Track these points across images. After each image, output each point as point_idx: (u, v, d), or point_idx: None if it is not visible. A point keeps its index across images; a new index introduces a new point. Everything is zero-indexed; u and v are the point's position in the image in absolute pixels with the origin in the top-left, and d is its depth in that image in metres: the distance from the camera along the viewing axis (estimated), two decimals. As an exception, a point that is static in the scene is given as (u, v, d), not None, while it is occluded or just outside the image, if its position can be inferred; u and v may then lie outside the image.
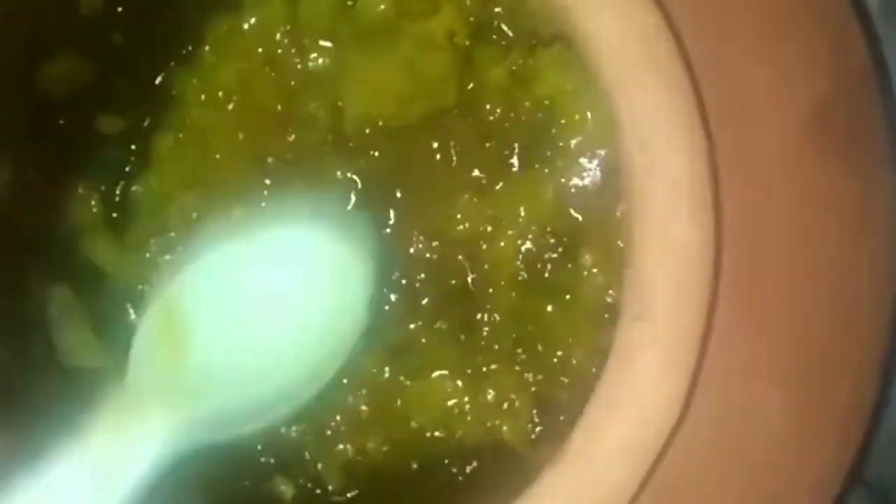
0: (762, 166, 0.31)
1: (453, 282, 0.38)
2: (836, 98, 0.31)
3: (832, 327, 0.31)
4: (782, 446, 0.31)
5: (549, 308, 0.37)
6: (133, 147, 0.39)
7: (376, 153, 0.38)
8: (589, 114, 0.36)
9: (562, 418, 0.36)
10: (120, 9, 0.38)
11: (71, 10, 0.38)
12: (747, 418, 0.31)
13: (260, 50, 0.38)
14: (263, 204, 0.38)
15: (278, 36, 0.38)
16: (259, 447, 0.38)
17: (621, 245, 0.36)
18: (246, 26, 0.38)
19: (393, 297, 0.38)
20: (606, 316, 0.35)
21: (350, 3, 0.38)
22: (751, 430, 0.31)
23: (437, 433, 0.38)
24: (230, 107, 0.39)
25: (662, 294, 0.31)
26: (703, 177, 0.31)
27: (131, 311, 0.39)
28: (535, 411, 0.37)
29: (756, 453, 0.31)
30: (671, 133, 0.31)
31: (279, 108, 0.38)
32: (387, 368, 0.38)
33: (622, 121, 0.32)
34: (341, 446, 0.38)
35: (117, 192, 0.39)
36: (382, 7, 0.37)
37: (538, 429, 0.37)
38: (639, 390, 0.31)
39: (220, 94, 0.39)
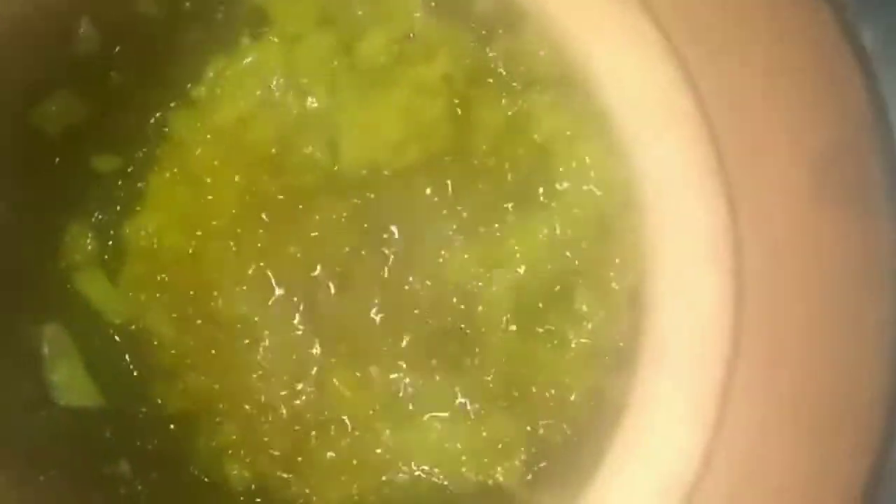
0: (775, 214, 0.32)
1: (448, 320, 0.38)
2: (839, 146, 0.31)
3: (841, 374, 0.31)
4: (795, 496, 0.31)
5: (544, 350, 0.38)
6: (128, 186, 0.39)
7: (372, 195, 0.38)
8: (587, 159, 0.36)
9: (557, 461, 0.37)
10: (117, 48, 0.38)
11: (68, 49, 0.38)
12: (764, 474, 0.32)
13: (257, 92, 0.38)
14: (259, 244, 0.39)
15: (275, 78, 0.38)
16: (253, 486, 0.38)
17: (616, 288, 0.36)
18: (243, 67, 0.38)
19: (388, 337, 0.38)
20: (607, 359, 0.36)
21: (347, 48, 0.38)
22: (766, 485, 0.31)
23: (428, 476, 0.38)
24: (226, 147, 0.39)
25: (681, 345, 0.31)
26: (722, 224, 0.31)
27: (126, 348, 0.39)
28: (527, 453, 0.37)
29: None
30: (688, 180, 0.31)
31: (275, 149, 0.38)
32: (379, 407, 0.38)
33: (635, 166, 0.32)
34: (335, 490, 0.38)
35: (111, 230, 0.39)
36: (380, 54, 0.38)
37: (532, 471, 0.38)
38: (656, 445, 0.31)
39: (217, 133, 0.39)
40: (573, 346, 0.37)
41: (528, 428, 0.38)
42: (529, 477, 0.37)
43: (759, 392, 0.31)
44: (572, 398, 0.37)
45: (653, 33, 0.32)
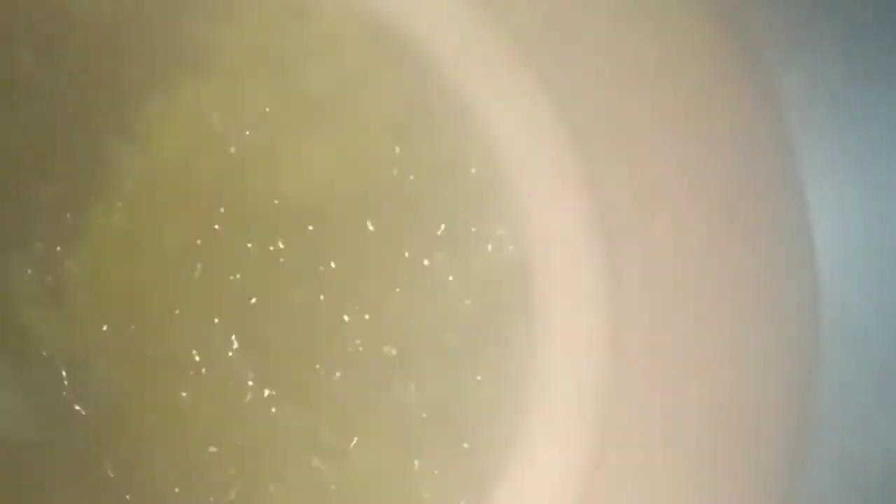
0: (665, 263, 0.33)
1: (384, 350, 0.39)
2: (745, 191, 0.33)
3: (737, 410, 0.33)
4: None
5: (478, 378, 0.38)
6: (70, 217, 0.40)
7: (310, 227, 0.39)
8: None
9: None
10: (59, 79, 0.39)
11: (8, 77, 0.38)
12: None
13: (198, 126, 0.39)
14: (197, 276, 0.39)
15: (216, 113, 0.39)
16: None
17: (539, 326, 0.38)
18: (184, 102, 0.39)
19: (325, 368, 0.39)
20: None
21: (288, 84, 0.39)
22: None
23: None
24: (167, 180, 0.39)
25: (562, 390, 0.32)
26: (602, 274, 0.32)
27: (65, 380, 0.39)
28: (462, 479, 0.38)
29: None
30: (573, 236, 0.33)
31: (215, 183, 0.39)
32: (317, 437, 0.39)
33: (528, 215, 0.34)
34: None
35: (54, 261, 0.39)
36: (320, 89, 0.38)
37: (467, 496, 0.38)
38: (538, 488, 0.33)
39: (158, 167, 0.39)
40: (505, 379, 0.38)
41: (465, 455, 0.38)
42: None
43: (638, 437, 0.32)
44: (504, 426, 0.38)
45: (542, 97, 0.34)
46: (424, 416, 0.39)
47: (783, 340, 0.33)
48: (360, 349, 0.39)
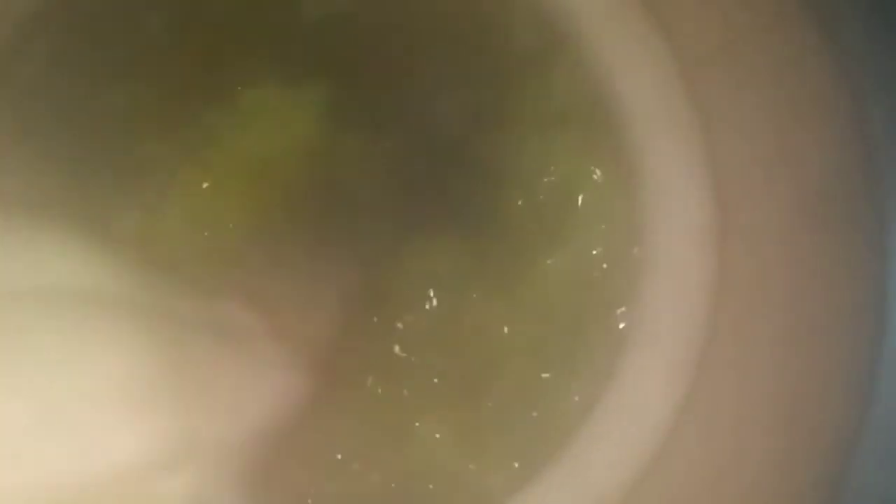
0: (764, 232, 0.36)
1: (467, 360, 0.40)
2: (834, 182, 0.36)
3: (813, 377, 0.35)
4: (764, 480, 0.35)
5: (550, 387, 0.39)
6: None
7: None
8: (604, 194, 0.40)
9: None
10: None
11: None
12: (730, 455, 0.35)
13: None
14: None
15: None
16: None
17: (622, 327, 0.39)
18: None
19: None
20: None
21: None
22: (733, 465, 0.35)
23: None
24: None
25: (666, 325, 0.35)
26: (711, 236, 0.35)
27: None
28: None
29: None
30: (687, 192, 0.36)
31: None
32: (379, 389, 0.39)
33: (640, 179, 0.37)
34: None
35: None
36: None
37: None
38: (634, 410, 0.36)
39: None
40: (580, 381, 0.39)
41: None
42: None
43: (732, 380, 0.34)
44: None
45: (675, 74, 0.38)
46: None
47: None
48: (444, 358, 0.40)
